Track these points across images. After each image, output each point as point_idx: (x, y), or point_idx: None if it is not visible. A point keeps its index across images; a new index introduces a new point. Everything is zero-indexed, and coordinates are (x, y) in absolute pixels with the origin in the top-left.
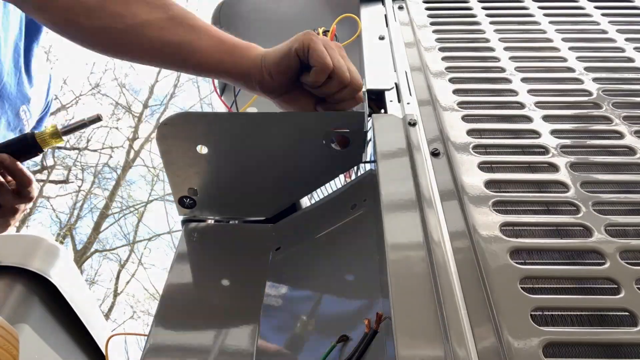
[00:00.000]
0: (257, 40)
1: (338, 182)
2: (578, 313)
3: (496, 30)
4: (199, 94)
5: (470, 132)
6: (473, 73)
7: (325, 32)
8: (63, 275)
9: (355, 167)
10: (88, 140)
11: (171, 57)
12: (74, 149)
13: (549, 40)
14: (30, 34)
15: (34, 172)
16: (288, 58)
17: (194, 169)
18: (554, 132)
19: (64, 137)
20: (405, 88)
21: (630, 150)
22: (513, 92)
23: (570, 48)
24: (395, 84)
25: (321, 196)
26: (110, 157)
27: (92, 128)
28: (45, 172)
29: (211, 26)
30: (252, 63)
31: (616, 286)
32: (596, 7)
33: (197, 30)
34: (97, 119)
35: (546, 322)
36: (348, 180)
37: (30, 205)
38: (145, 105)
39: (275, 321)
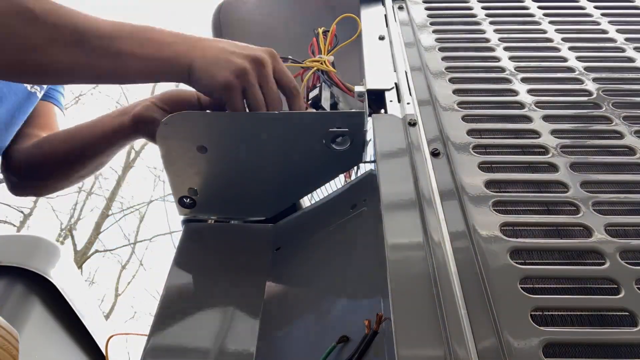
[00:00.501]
0: (257, 41)
1: (338, 182)
2: (578, 313)
3: (496, 30)
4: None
5: (470, 132)
6: (473, 73)
7: (325, 32)
8: (63, 275)
9: (355, 167)
10: None
11: (114, 81)
12: None
13: (549, 40)
14: None
15: None
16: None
17: (194, 169)
18: (554, 132)
19: None
20: (405, 88)
21: (630, 150)
22: (513, 92)
23: (570, 48)
24: (395, 84)
25: (321, 196)
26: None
27: None
28: None
29: (132, 40)
30: (180, 75)
31: (616, 286)
32: (596, 7)
33: (121, 56)
34: None
35: (546, 322)
36: (348, 180)
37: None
38: None
39: (275, 321)
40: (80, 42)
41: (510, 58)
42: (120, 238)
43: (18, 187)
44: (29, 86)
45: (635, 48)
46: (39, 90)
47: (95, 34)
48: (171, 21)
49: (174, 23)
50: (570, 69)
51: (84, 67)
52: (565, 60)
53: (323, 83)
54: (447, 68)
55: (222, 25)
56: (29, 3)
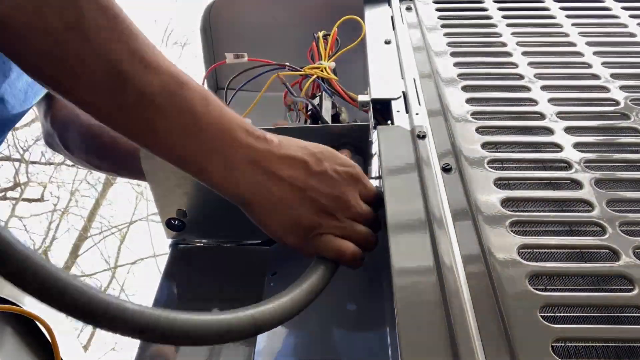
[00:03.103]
0: (251, 45)
1: None
2: (604, 344)
3: (514, 33)
4: None
5: (485, 145)
6: (488, 80)
7: (325, 36)
8: (37, 302)
9: None
10: None
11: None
12: (49, 163)
13: (571, 44)
14: None
15: (5, 190)
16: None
17: (182, 189)
18: (577, 145)
19: None
20: (414, 97)
21: None
22: (532, 102)
23: (595, 53)
24: (403, 92)
25: None
26: (90, 172)
27: None
28: (18, 189)
29: (179, 118)
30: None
31: None
32: (624, 8)
33: (158, 133)
34: None
35: (569, 355)
36: None
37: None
38: None
39: (272, 351)
40: (114, 90)
41: (529, 64)
42: (100, 262)
43: (51, 144)
44: None
45: None
46: None
47: (138, 86)
48: (154, 22)
49: (158, 24)
50: (595, 76)
51: (109, 119)
52: (589, 66)
53: (323, 92)
54: (459, 75)
55: (212, 27)
56: (86, 13)
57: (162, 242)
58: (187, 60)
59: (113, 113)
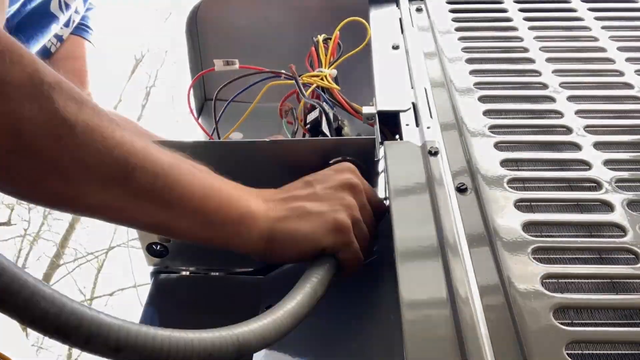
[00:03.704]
0: (243, 50)
1: None
2: None
3: (537, 37)
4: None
5: (504, 163)
6: (508, 90)
7: (326, 41)
8: (5, 339)
9: None
10: None
11: (151, 232)
12: None
13: (601, 49)
14: None
15: None
16: (311, 256)
17: None
18: (607, 163)
19: None
20: (425, 109)
21: None
22: (557, 114)
23: (628, 59)
24: (413, 103)
25: None
26: None
27: None
28: None
29: (193, 186)
30: (252, 243)
31: None
32: None
33: (173, 207)
34: None
35: None
36: None
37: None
38: None
39: None
40: (125, 180)
41: (554, 71)
42: (75, 292)
43: None
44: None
45: None
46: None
47: (148, 170)
48: (136, 24)
49: (140, 27)
50: (628, 85)
51: (122, 212)
52: (621, 74)
53: (324, 103)
54: (476, 84)
55: (198, 30)
56: (68, 112)
57: (143, 271)
58: (169, 69)
59: (127, 203)
